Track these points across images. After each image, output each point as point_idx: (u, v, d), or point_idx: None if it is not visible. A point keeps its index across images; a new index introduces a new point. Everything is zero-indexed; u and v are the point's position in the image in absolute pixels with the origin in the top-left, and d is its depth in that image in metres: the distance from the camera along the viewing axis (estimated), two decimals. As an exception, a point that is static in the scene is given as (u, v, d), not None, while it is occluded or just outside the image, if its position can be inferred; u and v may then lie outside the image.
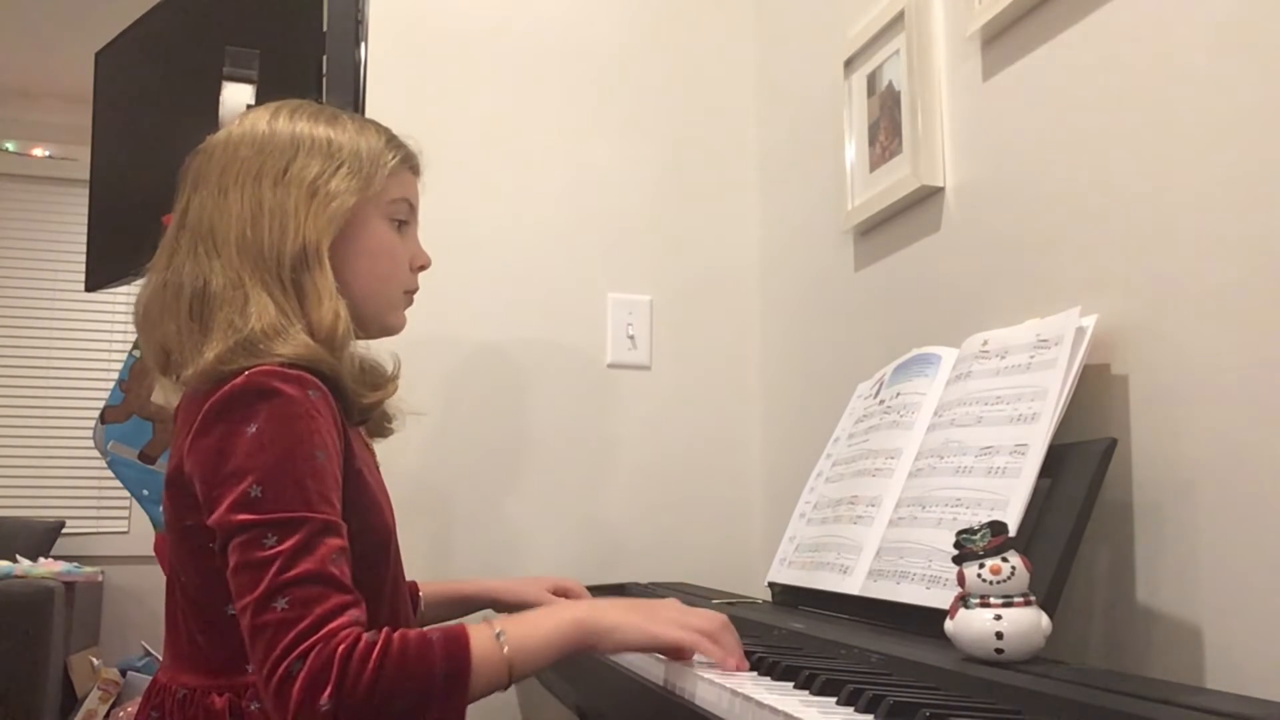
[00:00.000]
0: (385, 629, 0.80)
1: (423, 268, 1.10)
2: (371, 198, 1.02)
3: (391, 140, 1.06)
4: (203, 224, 0.97)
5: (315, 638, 0.77)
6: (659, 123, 1.94)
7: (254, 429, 0.84)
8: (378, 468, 1.05)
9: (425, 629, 0.82)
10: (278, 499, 0.82)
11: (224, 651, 0.89)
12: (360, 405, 0.98)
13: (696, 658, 0.90)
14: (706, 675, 0.83)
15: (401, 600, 1.04)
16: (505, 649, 0.82)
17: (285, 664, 0.76)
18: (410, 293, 1.09)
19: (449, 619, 1.31)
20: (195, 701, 0.90)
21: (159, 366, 0.98)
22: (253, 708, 0.88)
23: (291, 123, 1.01)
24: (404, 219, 1.07)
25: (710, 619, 0.90)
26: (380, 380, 1.04)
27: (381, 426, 1.09)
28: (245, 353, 0.88)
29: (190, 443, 0.88)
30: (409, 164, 1.08)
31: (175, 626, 0.95)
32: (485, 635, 0.83)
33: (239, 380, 0.86)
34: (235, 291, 0.92)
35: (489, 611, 1.28)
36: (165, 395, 1.01)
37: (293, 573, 0.79)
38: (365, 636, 0.78)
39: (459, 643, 0.81)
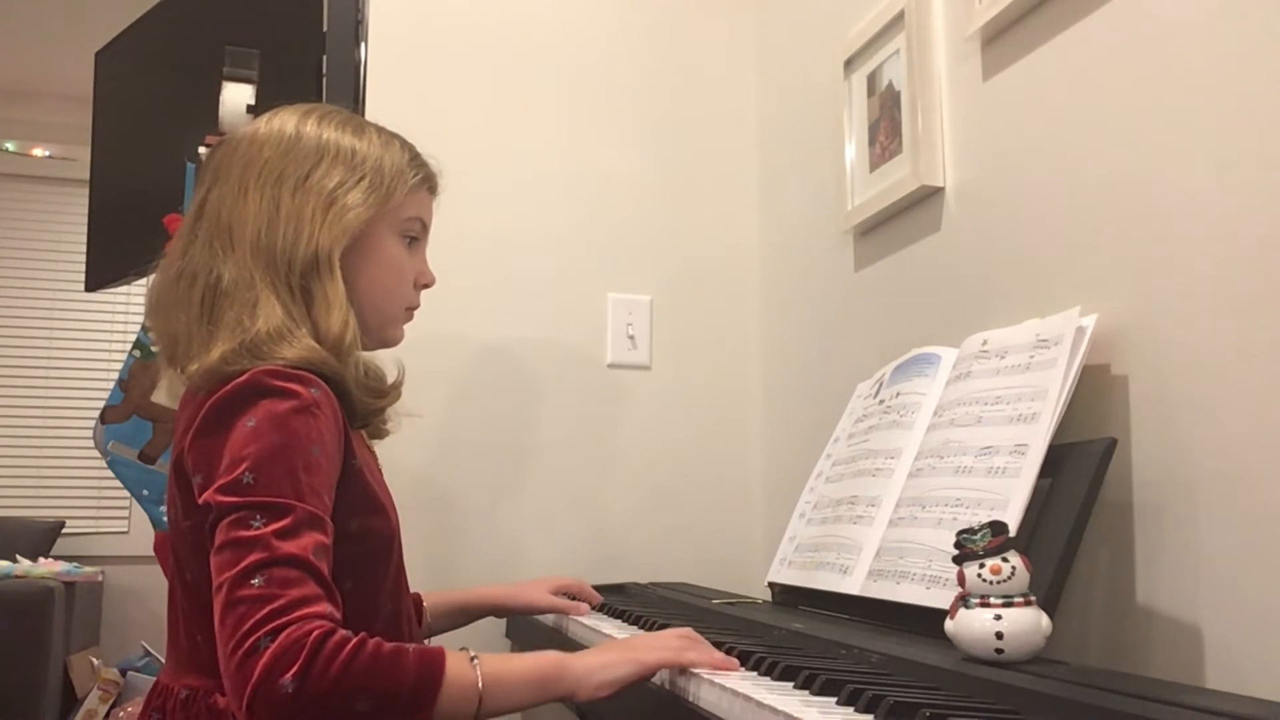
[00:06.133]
0: (364, 633, 0.79)
1: (427, 286, 1.11)
2: (387, 213, 1.03)
3: (415, 158, 1.07)
4: (220, 219, 0.97)
5: (288, 618, 0.76)
6: (659, 123, 1.94)
7: (252, 423, 0.85)
8: (380, 469, 1.05)
9: (401, 644, 0.81)
10: (269, 485, 0.82)
11: None
12: (363, 410, 0.99)
13: None
14: (707, 675, 0.83)
15: (404, 600, 1.04)
16: (480, 678, 0.81)
17: (253, 638, 0.75)
18: (412, 309, 1.10)
19: (455, 629, 1.31)
20: (197, 702, 0.90)
21: (167, 355, 0.99)
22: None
23: (319, 129, 1.01)
24: (415, 236, 1.08)
25: (681, 632, 0.92)
26: (383, 387, 1.04)
27: (379, 428, 1.09)
28: (249, 354, 0.89)
29: (190, 441, 0.88)
30: (428, 184, 1.09)
31: (177, 627, 0.95)
32: (461, 659, 0.82)
33: (241, 379, 0.87)
34: (247, 292, 0.93)
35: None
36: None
37: (274, 554, 0.79)
38: (343, 631, 0.78)
39: (434, 659, 0.80)
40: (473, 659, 0.83)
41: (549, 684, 0.85)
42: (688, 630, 0.93)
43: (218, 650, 0.78)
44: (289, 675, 0.73)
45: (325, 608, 0.79)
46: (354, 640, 0.77)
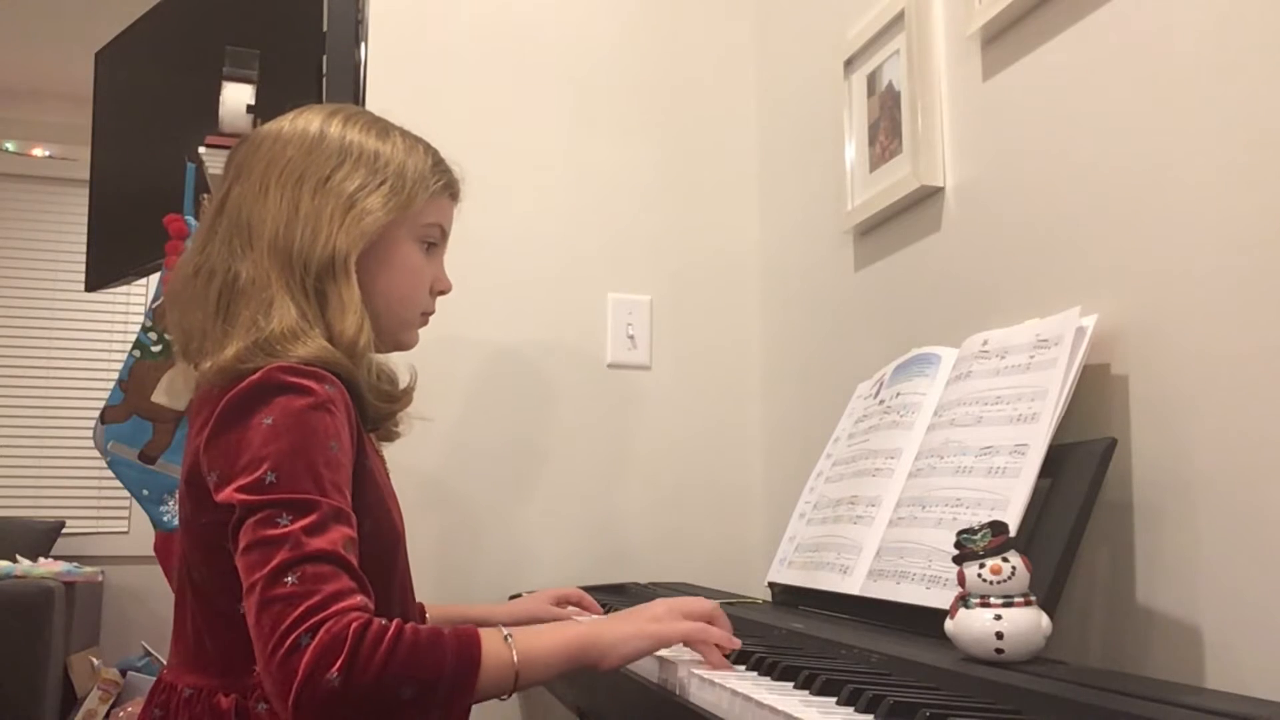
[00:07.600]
0: (398, 620, 0.79)
1: (443, 292, 1.11)
2: (407, 218, 1.03)
3: (438, 164, 1.07)
4: (240, 217, 0.98)
5: (326, 613, 0.76)
6: (659, 123, 1.94)
7: (269, 421, 0.85)
8: (387, 473, 1.05)
9: (436, 628, 0.82)
10: (293, 483, 0.82)
11: (233, 651, 0.88)
12: (375, 414, 0.99)
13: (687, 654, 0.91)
14: (707, 675, 0.83)
15: (410, 605, 1.04)
16: (515, 655, 0.82)
17: (294, 636, 0.75)
18: (427, 314, 1.10)
19: None
20: (201, 701, 0.90)
21: (181, 350, 0.99)
22: (260, 708, 0.87)
23: (343, 130, 1.01)
24: (434, 242, 1.08)
25: (703, 604, 0.91)
26: (395, 392, 1.05)
27: (388, 431, 1.09)
28: (263, 353, 0.89)
29: (206, 440, 0.88)
30: (450, 190, 1.09)
31: (183, 626, 0.95)
32: (496, 638, 0.83)
33: (255, 377, 0.87)
34: (263, 291, 0.93)
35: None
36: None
37: (305, 550, 0.79)
38: (378, 620, 0.78)
39: (471, 640, 0.81)
40: (506, 636, 0.83)
41: (579, 655, 0.86)
42: (715, 604, 0.92)
43: (255, 650, 0.78)
44: (334, 670, 0.74)
45: (360, 599, 0.80)
46: (392, 629, 0.77)
